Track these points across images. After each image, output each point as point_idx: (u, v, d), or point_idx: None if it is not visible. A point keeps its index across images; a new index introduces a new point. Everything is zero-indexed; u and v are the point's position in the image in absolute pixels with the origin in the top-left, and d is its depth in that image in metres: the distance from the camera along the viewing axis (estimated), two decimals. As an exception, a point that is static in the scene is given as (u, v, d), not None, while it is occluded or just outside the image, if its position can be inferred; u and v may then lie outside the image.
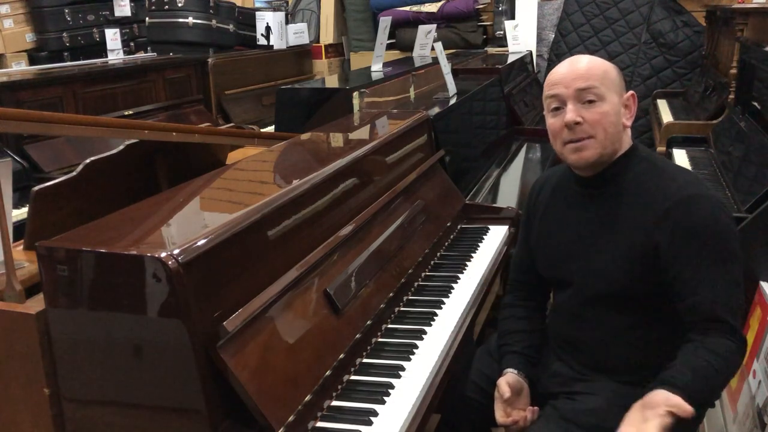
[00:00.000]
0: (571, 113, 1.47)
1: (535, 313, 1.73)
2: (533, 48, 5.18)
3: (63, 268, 1.12)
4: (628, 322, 1.48)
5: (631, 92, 1.53)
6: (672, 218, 1.41)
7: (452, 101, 3.03)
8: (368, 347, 1.54)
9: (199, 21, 4.53)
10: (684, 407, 1.28)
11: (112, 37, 5.08)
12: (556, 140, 1.53)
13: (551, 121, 1.53)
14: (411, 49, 4.48)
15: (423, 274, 1.95)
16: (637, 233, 1.45)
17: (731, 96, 3.52)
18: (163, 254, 1.07)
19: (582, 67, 1.49)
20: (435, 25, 4.36)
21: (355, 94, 2.66)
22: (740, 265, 1.41)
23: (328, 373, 1.33)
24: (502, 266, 2.18)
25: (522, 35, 5.03)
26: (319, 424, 1.27)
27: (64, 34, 5.00)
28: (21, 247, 1.50)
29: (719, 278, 1.38)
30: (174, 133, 1.66)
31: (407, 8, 5.35)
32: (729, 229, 1.42)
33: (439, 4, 5.28)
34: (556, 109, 1.51)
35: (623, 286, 1.47)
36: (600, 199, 1.53)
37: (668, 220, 1.41)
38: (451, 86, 3.20)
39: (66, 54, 5.00)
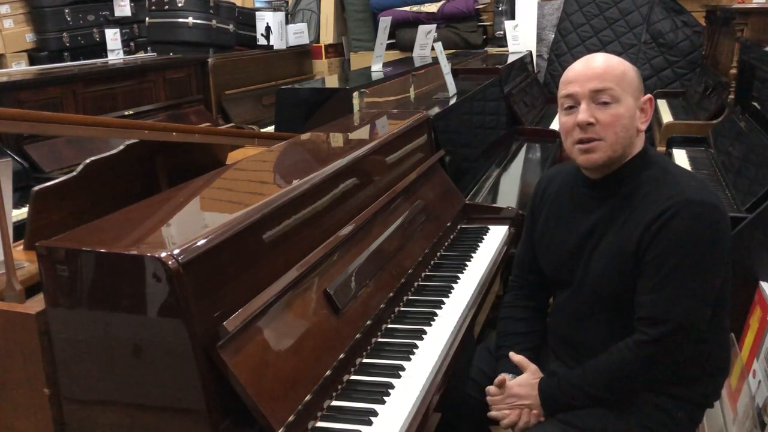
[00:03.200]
0: (584, 113, 1.44)
1: (534, 314, 1.73)
2: (533, 48, 5.18)
3: (63, 268, 1.12)
4: (624, 323, 1.47)
5: (648, 96, 1.50)
6: (661, 221, 1.39)
7: (452, 101, 3.03)
8: (368, 347, 1.54)
9: (199, 21, 4.53)
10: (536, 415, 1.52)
11: (112, 37, 5.07)
12: (566, 138, 1.51)
13: (564, 119, 1.51)
14: (411, 49, 4.47)
15: (423, 274, 1.95)
16: (632, 234, 1.44)
17: (731, 96, 3.52)
18: (163, 254, 1.07)
19: (599, 66, 1.46)
20: (435, 25, 4.36)
21: (355, 94, 2.66)
22: (710, 281, 1.40)
23: (328, 373, 1.33)
24: (502, 266, 2.18)
25: (522, 35, 5.03)
26: (319, 424, 1.27)
27: (64, 34, 4.99)
28: (21, 247, 1.50)
29: (676, 287, 1.38)
30: (174, 133, 1.66)
31: (407, 8, 5.35)
32: (710, 242, 1.38)
33: (439, 4, 5.28)
34: (570, 107, 1.49)
35: (617, 287, 1.46)
36: (607, 202, 1.52)
37: (657, 223, 1.40)
38: (451, 86, 3.20)
39: (66, 54, 5.00)
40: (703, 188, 1.44)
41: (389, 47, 4.89)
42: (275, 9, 5.28)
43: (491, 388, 1.59)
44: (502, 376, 1.59)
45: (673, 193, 1.41)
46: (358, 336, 1.49)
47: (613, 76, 1.45)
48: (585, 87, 1.45)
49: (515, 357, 1.61)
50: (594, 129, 1.45)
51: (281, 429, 1.15)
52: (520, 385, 1.56)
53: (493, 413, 1.57)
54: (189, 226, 1.28)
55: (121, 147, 1.59)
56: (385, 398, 1.35)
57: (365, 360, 1.50)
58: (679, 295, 1.38)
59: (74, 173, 1.50)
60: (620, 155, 1.48)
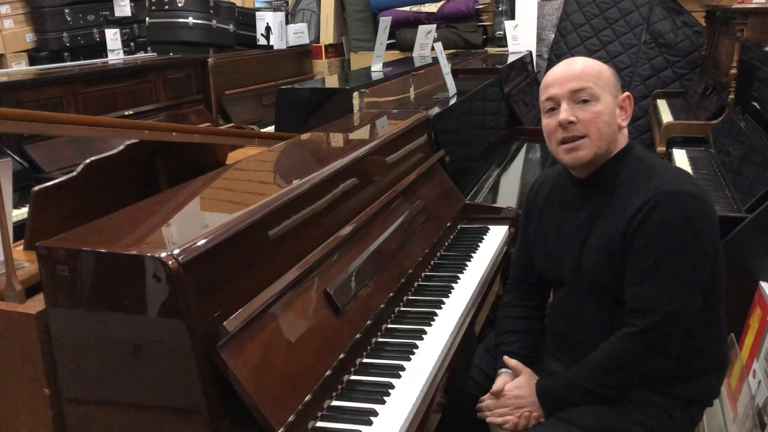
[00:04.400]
0: (564, 112, 1.48)
1: (532, 313, 1.73)
2: (533, 48, 5.18)
3: (63, 268, 1.12)
4: (620, 319, 1.47)
5: (626, 93, 1.54)
6: (643, 211, 1.41)
7: (452, 101, 3.03)
8: (368, 347, 1.54)
9: (199, 21, 4.53)
10: (536, 417, 1.52)
11: (112, 37, 5.07)
12: (551, 140, 1.54)
13: (546, 122, 1.54)
14: (411, 49, 4.47)
15: (423, 274, 1.95)
16: (617, 228, 1.46)
17: (731, 96, 3.52)
18: (164, 254, 1.07)
19: (576, 68, 1.51)
20: (435, 25, 4.36)
21: (355, 94, 2.66)
22: (696, 270, 1.40)
23: (328, 373, 1.33)
24: (502, 266, 2.18)
25: (522, 35, 5.03)
26: (319, 424, 1.27)
27: (64, 34, 5.00)
28: (21, 247, 1.50)
29: (661, 277, 1.39)
30: (174, 133, 1.66)
31: (407, 8, 5.35)
32: (693, 231, 1.39)
33: (439, 4, 5.28)
34: (551, 109, 1.53)
35: (608, 282, 1.48)
36: (594, 199, 1.54)
37: (640, 213, 1.42)
38: (451, 86, 3.20)
39: (66, 54, 5.00)
40: (684, 179, 1.47)
41: (389, 47, 4.89)
42: (275, 9, 5.28)
43: (486, 398, 1.60)
44: (500, 382, 1.60)
45: (654, 185, 1.43)
46: (358, 336, 1.49)
47: (590, 75, 1.49)
48: (564, 88, 1.49)
49: (510, 361, 1.62)
50: (575, 127, 1.48)
51: (281, 429, 1.15)
52: (519, 387, 1.56)
53: (494, 419, 1.57)
54: (189, 226, 1.28)
55: (121, 147, 1.59)
56: (385, 398, 1.35)
57: (365, 360, 1.50)
58: (665, 285, 1.39)
59: (74, 173, 1.50)
60: (605, 151, 1.50)
